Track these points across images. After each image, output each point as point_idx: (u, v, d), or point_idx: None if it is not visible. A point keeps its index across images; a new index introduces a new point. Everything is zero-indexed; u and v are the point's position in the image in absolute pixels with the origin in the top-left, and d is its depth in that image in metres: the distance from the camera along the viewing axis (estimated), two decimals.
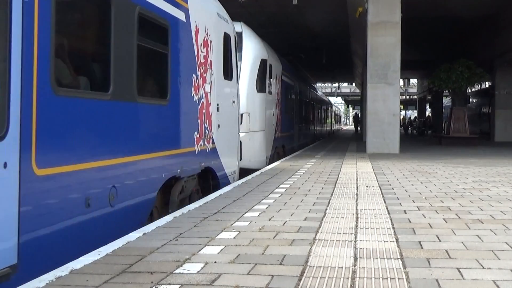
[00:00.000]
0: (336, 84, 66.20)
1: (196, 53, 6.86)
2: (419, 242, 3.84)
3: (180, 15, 6.29)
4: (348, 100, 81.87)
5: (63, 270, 3.12)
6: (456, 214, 5.04)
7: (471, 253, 3.53)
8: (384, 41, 15.42)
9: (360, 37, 21.85)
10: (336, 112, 63.16)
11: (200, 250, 3.60)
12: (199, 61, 6.97)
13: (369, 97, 15.66)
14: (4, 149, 3.23)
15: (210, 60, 7.48)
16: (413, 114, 59.04)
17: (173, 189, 6.23)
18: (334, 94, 73.06)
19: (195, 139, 6.84)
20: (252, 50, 12.45)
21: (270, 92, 13.66)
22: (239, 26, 11.72)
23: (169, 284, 2.86)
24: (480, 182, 7.75)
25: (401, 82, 43.18)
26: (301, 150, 17.88)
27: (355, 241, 3.86)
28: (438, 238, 3.98)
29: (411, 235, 4.08)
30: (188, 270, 3.12)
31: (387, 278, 2.94)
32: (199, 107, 6.99)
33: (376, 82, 15.53)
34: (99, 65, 4.79)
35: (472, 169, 9.88)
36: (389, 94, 15.44)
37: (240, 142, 10.12)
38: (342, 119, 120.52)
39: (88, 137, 4.28)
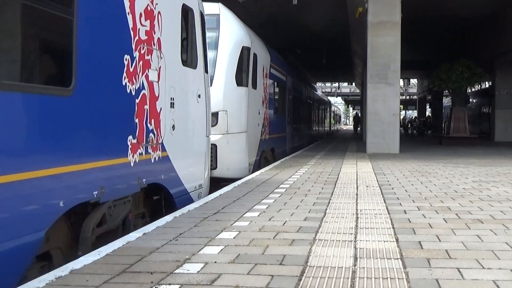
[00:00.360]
0: (336, 84, 66.17)
1: (131, 25, 4.95)
2: (419, 242, 3.84)
3: None
4: (348, 100, 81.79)
5: (63, 270, 3.12)
6: (456, 214, 5.04)
7: (471, 253, 3.53)
8: (384, 41, 15.42)
9: (360, 37, 21.84)
10: (335, 112, 63.06)
11: (200, 250, 3.60)
12: (137, 37, 5.07)
13: (369, 97, 15.65)
14: None
15: (158, 38, 5.59)
16: (413, 114, 59.01)
17: (85, 221, 4.37)
18: (334, 94, 73.04)
19: (130, 146, 4.92)
20: (231, 35, 10.39)
21: (254, 87, 11.50)
22: (216, 7, 10.25)
23: (169, 284, 2.86)
24: (480, 182, 7.75)
25: (401, 82, 43.22)
26: (300, 150, 17.85)
27: (355, 241, 3.86)
28: (438, 238, 3.98)
29: (411, 235, 4.08)
30: (188, 270, 3.12)
31: (387, 278, 2.94)
32: (137, 101, 5.05)
33: (376, 82, 15.52)
34: None
35: (472, 169, 9.88)
36: (389, 94, 15.43)
37: (216, 146, 9.23)
38: (342, 119, 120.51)
39: None
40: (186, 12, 6.56)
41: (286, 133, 17.00)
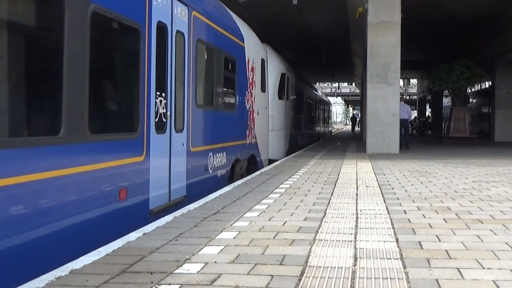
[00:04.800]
0: (336, 84, 66.17)
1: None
2: (419, 242, 3.85)
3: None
4: (348, 100, 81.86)
5: (63, 270, 3.12)
6: (456, 214, 5.04)
7: (471, 253, 3.53)
8: (384, 41, 15.42)
9: (360, 37, 21.86)
10: (337, 112, 64.98)
11: (200, 250, 3.60)
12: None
13: (369, 97, 15.65)
14: None
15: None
16: (413, 114, 58.97)
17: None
18: (334, 94, 73.06)
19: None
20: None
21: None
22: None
23: (169, 284, 2.86)
24: (480, 182, 7.75)
25: (401, 82, 43.26)
26: (302, 150, 17.90)
27: (355, 241, 3.86)
28: (438, 238, 3.98)
29: (411, 235, 4.08)
30: (188, 270, 3.12)
31: (387, 278, 2.94)
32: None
33: (376, 82, 15.53)
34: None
35: (472, 169, 9.88)
36: (389, 94, 15.44)
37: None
38: (342, 119, 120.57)
39: None
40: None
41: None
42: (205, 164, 7.39)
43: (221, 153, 8.16)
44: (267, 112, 12.31)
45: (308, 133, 25.79)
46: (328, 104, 48.05)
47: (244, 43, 9.72)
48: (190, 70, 6.66)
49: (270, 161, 12.87)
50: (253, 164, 10.76)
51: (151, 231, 4.25)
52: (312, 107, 28.84)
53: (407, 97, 57.21)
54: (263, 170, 9.99)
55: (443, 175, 8.75)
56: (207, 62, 7.60)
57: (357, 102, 57.92)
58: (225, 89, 8.45)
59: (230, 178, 8.88)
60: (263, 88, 11.75)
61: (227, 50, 8.52)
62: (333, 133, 49.01)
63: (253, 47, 10.67)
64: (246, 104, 9.90)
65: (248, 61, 10.03)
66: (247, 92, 9.91)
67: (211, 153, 7.62)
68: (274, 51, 16.34)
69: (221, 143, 8.14)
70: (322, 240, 3.91)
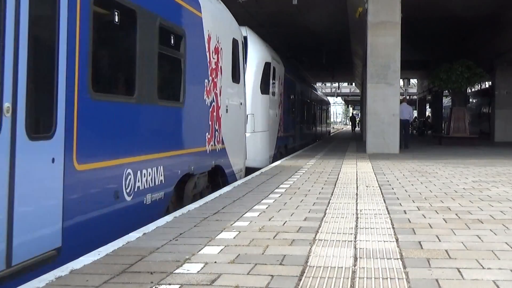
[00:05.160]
0: (336, 84, 66.17)
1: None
2: (419, 242, 3.84)
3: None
4: (348, 100, 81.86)
5: (63, 270, 3.12)
6: (456, 214, 5.04)
7: (471, 253, 3.53)
8: (384, 41, 15.42)
9: (360, 37, 21.84)
10: (337, 112, 64.09)
11: (200, 250, 3.60)
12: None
13: (369, 97, 15.66)
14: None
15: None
16: (414, 114, 59.01)
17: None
18: (334, 94, 73.06)
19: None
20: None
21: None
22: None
23: (169, 284, 2.86)
24: (480, 182, 7.75)
25: (401, 82, 43.22)
26: (300, 150, 17.87)
27: (355, 241, 3.86)
28: (438, 238, 3.98)
29: (411, 235, 4.08)
30: (188, 270, 3.12)
31: (387, 278, 2.94)
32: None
33: (376, 82, 15.53)
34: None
35: (472, 169, 9.88)
36: (389, 94, 15.44)
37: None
38: (342, 119, 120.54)
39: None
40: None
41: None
42: (113, 188, 4.73)
43: (153, 168, 5.53)
44: (243, 109, 9.60)
45: (302, 135, 22.48)
46: (327, 103, 45.27)
47: (201, 13, 7.11)
48: (74, 37, 4.06)
49: (250, 171, 10.28)
50: (219, 178, 8.16)
51: (151, 231, 4.25)
52: (308, 106, 25.54)
53: (407, 97, 57.26)
54: (263, 170, 9.97)
55: (443, 175, 8.75)
56: (116, 28, 4.95)
57: (357, 102, 57.94)
58: (159, 72, 5.77)
59: (177, 202, 6.46)
60: (236, 78, 8.98)
61: (165, 16, 5.92)
62: (331, 134, 46.42)
63: (219, 22, 8.09)
64: (205, 96, 7.29)
65: (209, 38, 7.42)
66: (206, 80, 7.34)
67: (129, 170, 4.97)
68: (257, 36, 13.61)
69: (154, 152, 5.56)
70: (322, 240, 3.91)
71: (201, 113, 7.19)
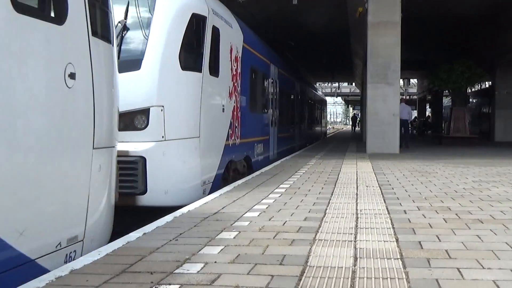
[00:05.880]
0: (336, 84, 66.18)
1: None
2: (419, 242, 3.84)
3: None
4: (348, 100, 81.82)
5: (63, 270, 3.12)
6: (456, 214, 5.04)
7: (471, 253, 3.53)
8: (384, 41, 15.42)
9: (360, 37, 21.84)
10: (337, 112, 62.61)
11: (200, 250, 3.60)
12: None
13: (369, 97, 15.65)
14: None
15: None
16: (413, 114, 59.02)
17: None
18: (334, 94, 73.08)
19: None
20: None
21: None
22: None
23: (169, 284, 2.86)
24: (480, 182, 7.75)
25: (401, 82, 43.25)
26: (300, 150, 17.80)
27: (355, 241, 3.86)
28: (438, 238, 3.98)
29: (411, 235, 4.08)
30: (188, 270, 3.12)
31: (387, 278, 2.94)
32: None
33: (376, 82, 15.52)
34: None
35: (472, 169, 9.88)
36: (389, 94, 15.43)
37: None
38: (342, 119, 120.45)
39: None
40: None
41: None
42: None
43: None
44: (107, 97, 4.41)
45: (281, 140, 15.88)
46: (323, 100, 37.84)
47: None
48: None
49: (168, 210, 5.69)
50: None
51: (151, 231, 4.25)
52: (295, 102, 19.90)
53: (407, 97, 57.28)
54: (263, 170, 9.97)
55: (443, 175, 8.75)
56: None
57: (357, 102, 57.89)
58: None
59: None
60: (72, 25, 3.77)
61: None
62: (329, 135, 41.61)
63: None
64: None
65: None
66: None
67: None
68: None
69: None
70: (322, 240, 3.91)
71: None
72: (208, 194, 6.93)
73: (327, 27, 25.19)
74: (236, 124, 9.55)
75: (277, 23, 24.04)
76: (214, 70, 8.19)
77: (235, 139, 9.44)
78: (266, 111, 13.46)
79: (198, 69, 7.50)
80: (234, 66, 9.51)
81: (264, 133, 13.07)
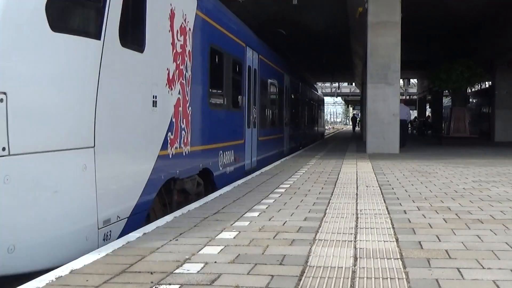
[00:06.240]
0: (336, 84, 66.20)
1: None
2: (419, 242, 3.84)
3: None
4: (348, 100, 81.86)
5: (63, 270, 3.12)
6: (456, 214, 5.04)
7: (471, 253, 3.53)
8: (384, 41, 15.41)
9: (360, 37, 21.84)
10: (337, 112, 62.18)
11: (200, 250, 3.60)
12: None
13: (369, 97, 15.65)
14: None
15: None
16: (412, 114, 59.03)
17: None
18: (334, 94, 73.12)
19: None
20: None
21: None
22: None
23: (169, 284, 2.86)
24: (480, 182, 7.75)
25: (401, 82, 43.25)
26: (300, 150, 17.76)
27: (355, 241, 3.86)
28: (438, 238, 3.98)
29: (411, 235, 4.08)
30: (188, 270, 3.12)
31: (387, 278, 2.94)
32: None
33: (376, 82, 15.52)
34: None
35: (472, 169, 9.88)
36: (389, 94, 15.43)
37: None
38: (342, 119, 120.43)
39: None
40: None
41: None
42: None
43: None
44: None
45: (264, 143, 13.32)
46: (319, 97, 34.76)
47: None
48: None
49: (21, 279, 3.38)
50: None
51: (151, 231, 4.25)
52: (284, 98, 17.34)
53: (407, 97, 57.30)
54: (263, 170, 9.97)
55: (443, 175, 8.75)
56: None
57: (357, 102, 57.91)
58: None
59: None
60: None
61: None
62: (328, 135, 39.38)
63: None
64: None
65: None
66: None
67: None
68: None
69: None
70: (322, 240, 3.91)
71: None
72: (122, 236, 4.41)
73: (327, 27, 25.20)
74: (183, 125, 6.63)
75: (277, 23, 24.05)
76: (133, 39, 5.27)
77: (180, 147, 6.53)
78: (239, 107, 10.53)
79: (93, 33, 4.51)
80: (179, 40, 6.48)
81: (237, 137, 10.18)
